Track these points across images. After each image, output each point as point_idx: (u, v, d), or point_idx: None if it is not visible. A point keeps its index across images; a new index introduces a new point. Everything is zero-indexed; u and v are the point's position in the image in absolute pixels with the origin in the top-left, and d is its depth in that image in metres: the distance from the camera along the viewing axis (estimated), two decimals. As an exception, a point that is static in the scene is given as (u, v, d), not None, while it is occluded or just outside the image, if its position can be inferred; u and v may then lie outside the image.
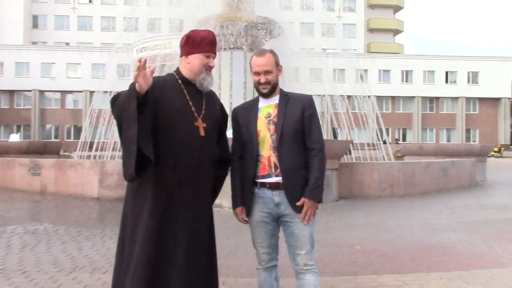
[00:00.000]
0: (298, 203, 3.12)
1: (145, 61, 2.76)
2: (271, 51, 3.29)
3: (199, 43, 3.11)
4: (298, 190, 3.13)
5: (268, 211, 3.20)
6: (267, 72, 3.20)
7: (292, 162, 3.14)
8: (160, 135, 2.95)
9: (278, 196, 3.16)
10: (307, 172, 3.15)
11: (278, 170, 3.15)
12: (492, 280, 4.78)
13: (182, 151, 2.99)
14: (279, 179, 3.15)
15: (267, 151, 3.17)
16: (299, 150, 3.17)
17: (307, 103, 3.23)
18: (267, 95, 3.25)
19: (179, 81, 3.13)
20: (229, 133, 3.31)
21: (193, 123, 3.04)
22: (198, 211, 3.04)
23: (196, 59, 3.11)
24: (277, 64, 3.26)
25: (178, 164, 2.97)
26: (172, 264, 2.92)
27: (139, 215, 2.95)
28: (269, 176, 3.17)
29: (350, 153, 13.75)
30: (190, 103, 3.09)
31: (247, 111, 3.30)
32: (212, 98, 3.26)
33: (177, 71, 3.18)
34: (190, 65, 3.12)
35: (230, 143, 3.37)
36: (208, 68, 3.12)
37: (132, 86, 2.79)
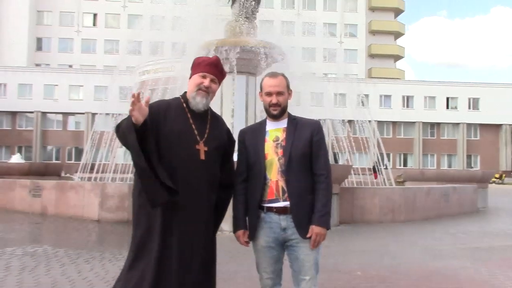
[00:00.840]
0: (307, 235, 3.10)
1: (138, 95, 2.81)
2: (283, 74, 3.31)
3: (198, 65, 3.17)
4: (305, 215, 3.11)
5: (275, 236, 3.17)
6: (279, 94, 3.22)
7: (300, 186, 3.13)
8: (161, 158, 2.97)
9: (285, 221, 3.13)
10: (313, 197, 3.14)
11: (286, 195, 3.13)
12: (494, 307, 4.74)
13: (181, 174, 2.99)
14: (286, 203, 3.13)
15: (274, 175, 3.15)
16: (306, 175, 3.16)
17: (316, 128, 3.24)
18: (277, 117, 3.24)
19: (184, 105, 3.15)
20: (235, 156, 3.32)
21: (194, 146, 3.04)
22: (196, 235, 3.02)
23: (192, 80, 3.16)
24: (288, 87, 3.29)
25: (177, 186, 2.96)
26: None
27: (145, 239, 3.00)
28: (276, 200, 3.15)
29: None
30: (193, 126, 3.09)
31: (255, 134, 3.29)
32: (217, 123, 3.27)
33: (183, 94, 3.22)
34: (188, 87, 3.17)
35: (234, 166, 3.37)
36: (203, 89, 3.11)
37: (130, 119, 2.84)
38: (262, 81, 3.31)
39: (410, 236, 9.67)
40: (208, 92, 3.14)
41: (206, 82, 3.12)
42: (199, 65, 3.16)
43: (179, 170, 2.99)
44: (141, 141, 2.84)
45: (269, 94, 3.23)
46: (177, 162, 2.99)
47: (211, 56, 3.27)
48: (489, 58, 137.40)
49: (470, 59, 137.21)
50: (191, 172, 3.01)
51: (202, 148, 3.06)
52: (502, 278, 6.00)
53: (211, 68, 3.16)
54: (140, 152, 2.81)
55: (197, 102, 3.11)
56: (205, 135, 3.11)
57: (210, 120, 3.20)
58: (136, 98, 2.78)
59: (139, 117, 2.81)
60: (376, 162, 16.99)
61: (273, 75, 3.29)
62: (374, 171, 18.59)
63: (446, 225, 11.41)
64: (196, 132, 3.09)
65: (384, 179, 15.71)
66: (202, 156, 3.05)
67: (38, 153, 53.21)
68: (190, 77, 3.19)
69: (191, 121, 3.10)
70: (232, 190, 3.35)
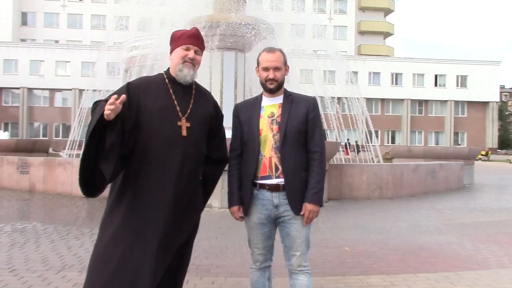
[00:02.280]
0: (301, 213, 3.12)
1: (122, 100, 2.76)
2: (281, 50, 3.29)
3: (178, 38, 3.11)
4: (298, 192, 3.13)
5: (267, 212, 3.19)
6: (276, 69, 3.20)
7: (294, 164, 3.13)
8: (142, 135, 2.95)
9: (278, 198, 3.15)
10: (307, 174, 3.16)
11: (279, 172, 3.14)
12: (478, 281, 4.85)
13: (163, 151, 2.96)
14: (279, 180, 3.14)
15: (268, 152, 3.15)
16: (300, 152, 3.17)
17: (311, 105, 3.23)
18: (273, 91, 3.23)
19: (166, 80, 3.11)
20: (227, 133, 3.29)
21: (175, 123, 3.00)
22: (178, 213, 2.99)
23: (175, 53, 3.11)
24: (285, 63, 3.27)
25: (159, 164, 2.95)
26: (142, 263, 2.90)
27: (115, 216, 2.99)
28: (269, 177, 3.16)
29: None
30: (175, 102, 3.05)
31: (250, 109, 3.28)
32: (203, 97, 3.22)
33: (167, 70, 3.18)
34: (171, 61, 3.12)
35: (229, 142, 3.32)
36: (188, 60, 3.07)
37: (100, 113, 2.79)
38: (259, 56, 3.28)
39: (397, 212, 9.79)
40: (194, 64, 3.10)
41: (191, 53, 3.08)
42: (179, 38, 3.10)
43: (161, 148, 2.96)
44: (106, 131, 2.82)
45: (266, 69, 3.21)
46: (159, 139, 2.95)
47: (189, 29, 3.21)
48: (480, 36, 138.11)
49: (459, 37, 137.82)
50: (173, 149, 2.97)
51: (184, 124, 3.02)
52: (486, 253, 6.12)
53: (193, 40, 3.11)
54: (92, 144, 2.82)
55: (185, 74, 3.07)
56: (188, 111, 3.07)
57: (194, 95, 3.16)
58: (118, 104, 2.74)
59: (112, 115, 2.77)
60: (348, 139, 17.04)
61: (270, 50, 3.27)
62: (346, 148, 18.71)
63: (433, 201, 11.56)
64: (178, 108, 3.04)
65: (372, 157, 15.83)
66: (184, 133, 3.01)
67: (25, 129, 52.77)
68: (170, 52, 3.14)
69: (173, 97, 3.06)
70: (223, 166, 3.34)
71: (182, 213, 3.02)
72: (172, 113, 3.02)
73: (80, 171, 2.88)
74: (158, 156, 2.95)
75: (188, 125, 3.03)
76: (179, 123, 3.01)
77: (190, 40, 3.10)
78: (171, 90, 3.08)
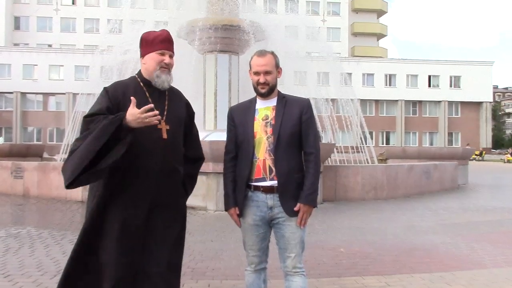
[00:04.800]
0: (295, 208, 3.13)
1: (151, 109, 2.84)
2: (272, 53, 3.29)
3: (151, 42, 3.11)
4: (292, 193, 3.14)
5: (261, 214, 3.20)
6: (267, 73, 3.20)
7: (288, 166, 3.14)
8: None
9: (272, 200, 3.16)
10: (300, 176, 3.17)
11: (273, 174, 3.15)
12: (473, 281, 4.87)
13: (145, 155, 2.96)
14: (273, 182, 3.15)
15: (262, 154, 3.16)
16: (294, 154, 3.18)
17: (305, 106, 3.23)
18: (265, 95, 3.24)
19: (141, 84, 3.12)
20: (222, 135, 3.29)
21: (155, 126, 2.99)
22: (165, 215, 3.02)
23: (150, 59, 3.10)
24: (277, 66, 3.27)
25: (141, 168, 2.95)
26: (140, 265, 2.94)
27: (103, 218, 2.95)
28: (263, 179, 3.17)
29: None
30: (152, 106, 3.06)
31: (244, 112, 3.29)
32: (176, 97, 3.23)
33: (139, 73, 3.18)
34: (146, 65, 3.12)
35: (222, 144, 3.33)
36: (164, 66, 3.09)
37: (124, 125, 2.82)
38: (251, 59, 3.29)
39: (392, 213, 9.82)
40: (169, 69, 3.12)
41: (167, 59, 3.10)
42: (152, 43, 3.10)
43: (143, 152, 2.96)
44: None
45: (257, 73, 3.22)
46: (140, 143, 2.94)
47: (157, 31, 3.19)
48: (474, 37, 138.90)
49: (453, 37, 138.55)
50: (155, 152, 2.98)
51: (164, 126, 3.04)
52: (481, 253, 6.15)
53: (167, 44, 3.12)
54: (105, 139, 2.79)
55: (163, 80, 3.08)
56: (165, 113, 3.08)
57: (168, 96, 3.17)
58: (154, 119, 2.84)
59: (137, 126, 2.84)
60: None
61: (261, 53, 3.27)
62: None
63: (427, 202, 11.60)
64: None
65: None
66: (165, 135, 3.03)
67: (19, 134, 52.54)
68: (142, 55, 3.14)
69: (150, 100, 3.05)
70: (200, 164, 3.36)
71: (166, 215, 3.04)
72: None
73: (76, 166, 2.80)
74: (141, 161, 2.95)
75: (168, 127, 3.06)
76: (159, 126, 3.01)
77: (165, 45, 3.11)
78: (147, 94, 3.08)
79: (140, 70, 3.19)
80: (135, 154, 2.93)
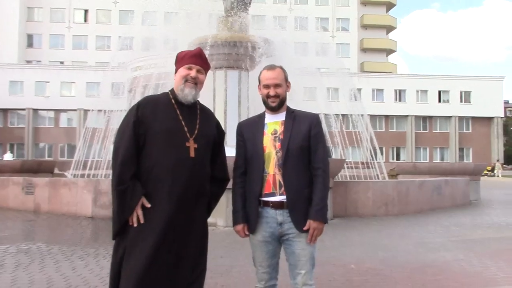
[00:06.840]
0: (304, 228, 3.10)
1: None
2: (281, 67, 3.31)
3: (182, 58, 3.15)
4: (301, 209, 3.11)
5: (271, 230, 3.17)
6: (277, 86, 3.21)
7: (297, 181, 3.12)
8: (151, 157, 2.96)
9: (282, 216, 3.14)
10: (310, 191, 3.14)
11: (283, 189, 3.13)
12: (487, 298, 4.79)
13: (171, 174, 2.95)
14: (283, 198, 3.13)
15: (272, 169, 3.15)
16: (303, 169, 3.16)
17: (314, 121, 3.23)
18: (275, 109, 3.24)
19: (173, 100, 3.13)
20: (231, 151, 3.29)
21: (184, 144, 3.00)
22: (190, 233, 3.01)
23: (178, 74, 3.14)
24: (286, 79, 3.28)
25: (169, 186, 2.95)
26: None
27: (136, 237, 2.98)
28: (273, 194, 3.15)
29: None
30: (183, 123, 3.06)
31: (253, 127, 3.28)
32: (208, 117, 3.24)
33: (172, 90, 3.19)
34: (175, 81, 3.15)
35: (231, 160, 3.32)
36: (190, 80, 3.09)
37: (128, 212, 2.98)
38: (260, 74, 3.30)
39: (403, 229, 9.72)
40: (196, 83, 3.12)
41: (193, 73, 3.10)
42: (183, 59, 3.15)
43: (169, 169, 2.96)
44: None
45: (266, 86, 3.22)
46: (167, 160, 2.95)
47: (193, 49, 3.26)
48: (481, 51, 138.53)
49: (463, 52, 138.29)
50: (182, 170, 2.97)
51: (192, 145, 3.02)
52: (494, 270, 6.05)
53: (196, 59, 3.14)
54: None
55: (186, 94, 3.09)
56: (195, 131, 3.07)
57: (199, 115, 3.17)
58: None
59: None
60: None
61: (271, 67, 3.28)
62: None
63: (439, 218, 11.47)
64: (186, 129, 3.05)
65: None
66: (192, 154, 3.01)
67: (31, 150, 52.95)
68: (175, 73, 3.18)
69: (180, 117, 3.07)
70: (225, 185, 3.34)
71: (194, 235, 3.04)
72: (180, 134, 3.03)
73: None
74: (167, 178, 2.95)
75: (196, 146, 3.04)
76: (187, 144, 3.01)
77: (192, 59, 3.13)
78: (178, 111, 3.09)
79: (173, 87, 3.22)
80: (162, 171, 2.96)
